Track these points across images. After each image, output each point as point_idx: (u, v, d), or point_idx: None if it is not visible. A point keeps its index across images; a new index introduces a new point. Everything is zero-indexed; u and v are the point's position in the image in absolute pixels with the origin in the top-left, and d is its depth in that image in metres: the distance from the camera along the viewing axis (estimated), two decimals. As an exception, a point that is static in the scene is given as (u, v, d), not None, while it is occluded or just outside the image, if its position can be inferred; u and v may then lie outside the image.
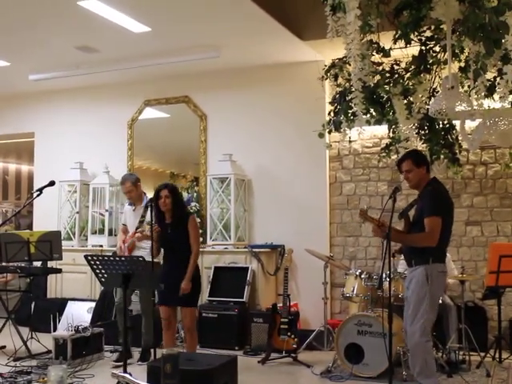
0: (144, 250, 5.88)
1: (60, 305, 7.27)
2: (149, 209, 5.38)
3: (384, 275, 5.20)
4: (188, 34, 6.49)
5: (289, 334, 5.93)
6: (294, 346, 5.92)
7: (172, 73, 7.76)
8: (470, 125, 5.06)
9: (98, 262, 4.36)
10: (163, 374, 1.29)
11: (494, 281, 5.49)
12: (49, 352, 5.99)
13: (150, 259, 4.82)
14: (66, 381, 1.15)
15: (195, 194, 7.82)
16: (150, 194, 8.21)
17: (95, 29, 6.28)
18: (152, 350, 5.45)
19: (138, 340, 6.03)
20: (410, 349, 4.47)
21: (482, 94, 4.09)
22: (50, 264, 7.38)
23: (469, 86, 4.55)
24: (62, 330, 6.08)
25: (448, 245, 4.64)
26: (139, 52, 7.03)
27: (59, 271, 6.72)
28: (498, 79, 4.05)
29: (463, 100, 4.23)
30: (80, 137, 8.67)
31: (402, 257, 6.01)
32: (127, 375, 1.72)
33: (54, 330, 6.23)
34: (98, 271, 4.39)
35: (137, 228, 6.04)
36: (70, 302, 7.19)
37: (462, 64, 4.55)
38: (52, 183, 5.50)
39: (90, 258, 4.36)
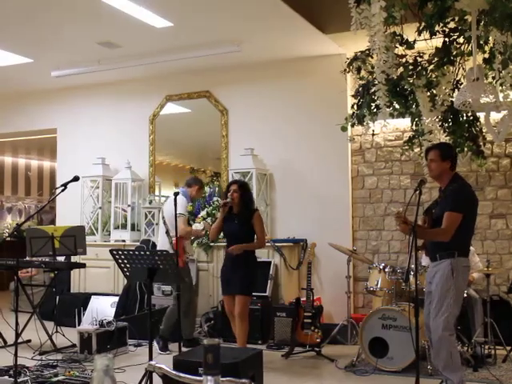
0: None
1: (84, 299, 7.35)
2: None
3: (409, 268, 5.17)
4: (210, 29, 6.50)
5: (312, 328, 5.93)
6: (318, 340, 5.92)
7: (193, 68, 7.77)
8: (495, 117, 5.02)
9: (123, 257, 4.38)
10: (204, 365, 1.30)
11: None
12: (74, 346, 6.06)
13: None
14: (112, 370, 1.16)
15: (217, 189, 7.84)
16: (169, 190, 8.32)
17: (118, 24, 6.31)
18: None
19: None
20: (433, 343, 4.45)
21: (508, 85, 4.05)
22: (74, 259, 7.46)
23: (493, 78, 4.51)
24: (87, 324, 6.14)
25: (471, 240, 4.61)
26: (161, 47, 7.06)
27: (83, 266, 6.77)
28: (524, 70, 4.00)
29: (488, 92, 4.20)
30: (102, 132, 8.73)
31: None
32: (164, 366, 1.73)
33: (79, 324, 6.30)
34: (122, 265, 4.42)
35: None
36: (93, 297, 7.26)
37: (487, 55, 4.51)
38: (76, 178, 5.51)
39: (115, 252, 4.39)
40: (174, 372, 1.55)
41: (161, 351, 6.10)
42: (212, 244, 7.09)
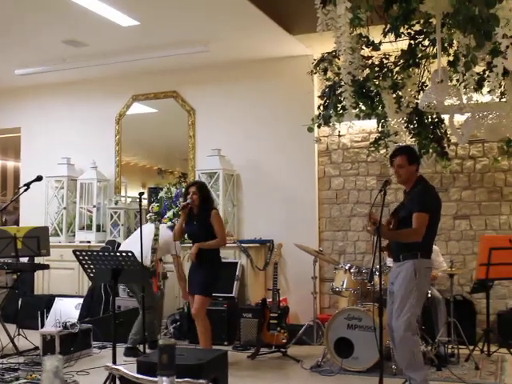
0: None
1: (47, 301, 7.21)
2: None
3: (374, 269, 5.21)
4: (177, 29, 6.46)
5: (278, 328, 5.92)
6: (284, 340, 5.91)
7: (160, 67, 7.71)
8: (459, 119, 5.08)
9: (86, 258, 4.33)
10: (159, 365, 1.27)
11: (484, 273, 5.49)
12: (36, 349, 5.95)
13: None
14: (61, 371, 1.13)
15: (184, 190, 7.78)
16: (136, 191, 8.24)
17: (83, 23, 6.23)
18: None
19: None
20: (395, 343, 4.48)
21: (472, 87, 4.09)
22: (38, 260, 7.33)
23: (457, 80, 4.56)
24: (50, 326, 6.04)
25: (434, 241, 4.65)
26: (127, 46, 6.98)
27: (47, 267, 6.66)
28: (487, 72, 4.05)
29: (452, 94, 4.25)
30: (67, 132, 8.60)
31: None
32: (121, 367, 1.70)
33: (42, 326, 6.18)
34: (86, 266, 4.36)
35: None
36: (57, 299, 7.11)
37: (451, 58, 4.56)
38: (39, 178, 5.43)
39: (78, 253, 4.33)
40: (131, 374, 1.53)
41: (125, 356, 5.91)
42: (179, 245, 7.03)
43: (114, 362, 4.18)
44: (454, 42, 4.26)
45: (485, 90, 4.45)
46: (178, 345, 5.30)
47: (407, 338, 4.32)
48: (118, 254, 4.39)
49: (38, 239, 6.27)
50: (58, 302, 7.02)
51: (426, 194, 4.44)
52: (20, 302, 7.25)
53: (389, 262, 5.92)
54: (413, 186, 4.51)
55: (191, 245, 5.62)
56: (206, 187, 5.75)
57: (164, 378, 1.29)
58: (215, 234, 5.46)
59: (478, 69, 4.24)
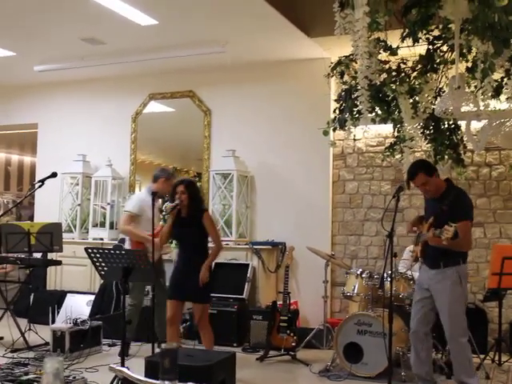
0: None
1: (59, 297, 7.26)
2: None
3: (385, 275, 5.18)
4: (195, 29, 6.46)
5: (288, 331, 5.91)
6: (293, 344, 5.89)
7: (177, 67, 7.73)
8: (476, 126, 5.04)
9: (98, 255, 4.33)
10: (161, 369, 1.26)
11: (497, 283, 5.44)
12: (47, 344, 5.98)
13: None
14: (62, 373, 1.13)
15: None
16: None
17: (102, 21, 6.26)
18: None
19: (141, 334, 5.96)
20: (452, 350, 4.43)
21: (489, 94, 4.05)
22: (50, 256, 7.37)
23: (475, 87, 4.52)
24: (61, 322, 6.07)
25: None
26: (145, 45, 7.01)
27: (59, 263, 6.70)
28: (505, 80, 4.01)
29: (469, 100, 4.21)
30: (83, 129, 8.65)
31: (405, 256, 6.01)
32: (124, 369, 1.69)
33: (53, 322, 6.22)
34: (97, 264, 4.37)
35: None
36: (69, 295, 7.16)
37: (469, 64, 4.52)
38: (54, 175, 5.46)
39: (90, 250, 4.34)
40: (134, 375, 1.52)
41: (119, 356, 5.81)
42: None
43: (123, 362, 4.16)
44: (473, 48, 4.22)
45: (503, 97, 4.41)
46: (186, 345, 5.32)
47: (463, 344, 4.33)
48: (129, 251, 4.40)
49: (52, 235, 6.32)
50: (69, 298, 7.07)
51: (465, 201, 4.47)
52: (32, 298, 7.29)
53: (400, 267, 5.90)
54: (445, 192, 4.47)
55: (176, 247, 5.45)
56: (194, 185, 5.32)
57: (166, 383, 1.29)
58: (206, 237, 5.19)
59: (497, 76, 4.20)
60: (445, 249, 4.31)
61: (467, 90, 4.50)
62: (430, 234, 4.33)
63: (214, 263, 5.33)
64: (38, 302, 7.34)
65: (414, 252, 4.64)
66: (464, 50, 4.40)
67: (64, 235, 6.83)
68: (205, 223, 5.11)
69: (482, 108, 4.13)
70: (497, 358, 5.72)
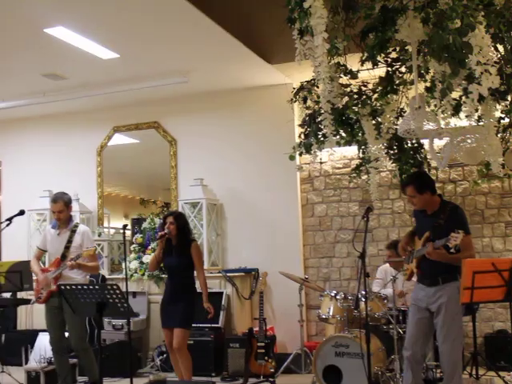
0: (72, 281, 5.21)
1: (31, 336, 7.09)
2: (75, 233, 5.45)
3: (359, 295, 5.20)
4: (156, 60, 6.51)
5: (266, 358, 5.88)
6: (272, 370, 5.87)
7: (141, 98, 7.75)
8: (438, 143, 5.14)
9: (71, 291, 4.28)
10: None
11: (469, 297, 5.48)
12: (21, 386, 5.85)
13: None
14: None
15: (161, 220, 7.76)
16: (119, 222, 8.21)
17: (63, 56, 6.26)
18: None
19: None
20: (446, 367, 4.33)
21: (449, 112, 4.14)
22: (20, 295, 7.23)
23: (435, 106, 4.61)
24: (34, 362, 5.95)
25: None
26: (108, 78, 7.02)
27: (28, 302, 6.58)
28: (463, 98, 4.11)
29: (430, 119, 4.29)
30: (49, 164, 8.57)
31: (378, 276, 6.04)
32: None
33: (26, 362, 6.09)
34: (71, 300, 4.31)
35: (63, 255, 5.47)
36: (40, 334, 7.01)
37: (428, 84, 4.62)
38: (22, 212, 5.41)
39: (62, 287, 4.29)
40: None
41: None
42: (163, 276, 6.98)
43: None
44: (430, 68, 4.32)
45: (462, 114, 4.51)
46: (167, 377, 5.27)
47: (460, 361, 4.32)
48: (103, 287, 4.36)
49: (21, 274, 6.19)
50: (41, 336, 6.91)
51: (463, 215, 4.49)
52: (3, 338, 7.13)
53: (374, 287, 5.93)
54: (439, 210, 4.49)
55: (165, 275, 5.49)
56: (183, 217, 5.64)
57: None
58: (193, 266, 5.41)
59: (455, 94, 4.30)
60: (444, 264, 4.31)
61: (427, 109, 4.59)
62: (429, 248, 4.29)
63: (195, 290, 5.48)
64: (10, 343, 7.18)
65: (407, 270, 4.64)
66: (422, 71, 4.50)
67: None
68: (192, 253, 5.39)
69: (443, 126, 4.22)
70: (474, 372, 5.76)
